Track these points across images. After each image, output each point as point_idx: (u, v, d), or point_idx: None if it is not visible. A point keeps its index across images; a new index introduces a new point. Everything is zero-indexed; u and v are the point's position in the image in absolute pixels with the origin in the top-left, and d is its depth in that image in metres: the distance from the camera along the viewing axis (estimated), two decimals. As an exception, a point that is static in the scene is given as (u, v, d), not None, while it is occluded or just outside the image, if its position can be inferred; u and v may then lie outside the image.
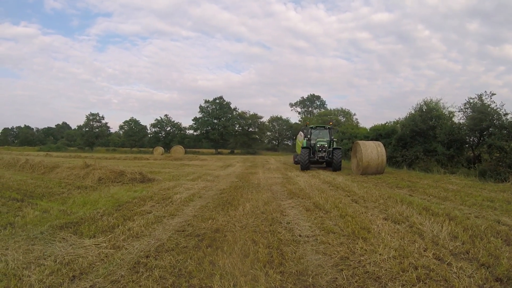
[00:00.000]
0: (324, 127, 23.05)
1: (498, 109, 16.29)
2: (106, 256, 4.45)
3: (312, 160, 19.74)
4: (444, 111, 19.94)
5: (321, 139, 20.80)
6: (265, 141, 78.18)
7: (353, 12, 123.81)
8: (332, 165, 19.27)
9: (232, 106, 68.88)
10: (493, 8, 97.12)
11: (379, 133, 24.57)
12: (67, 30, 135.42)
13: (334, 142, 21.10)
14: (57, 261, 4.21)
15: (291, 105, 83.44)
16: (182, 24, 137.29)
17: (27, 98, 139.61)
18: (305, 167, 19.13)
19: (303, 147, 20.06)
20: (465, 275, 3.87)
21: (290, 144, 73.59)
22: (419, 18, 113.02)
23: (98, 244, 4.92)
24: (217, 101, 67.18)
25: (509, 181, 12.61)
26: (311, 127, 22.83)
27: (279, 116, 78.82)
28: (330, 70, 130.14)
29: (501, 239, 5.26)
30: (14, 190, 10.00)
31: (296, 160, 23.61)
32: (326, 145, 19.86)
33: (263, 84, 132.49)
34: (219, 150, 67.14)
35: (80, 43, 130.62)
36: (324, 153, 19.75)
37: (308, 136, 21.69)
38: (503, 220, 6.62)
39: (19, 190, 9.95)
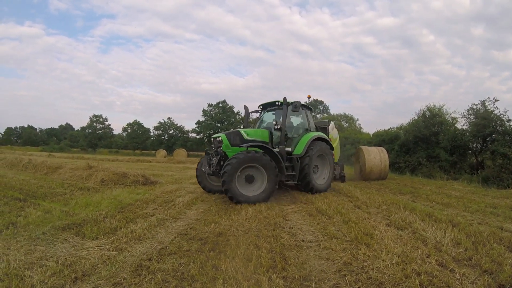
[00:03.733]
0: (278, 104, 11.11)
1: (501, 115, 16.32)
2: (109, 258, 4.45)
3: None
4: (447, 117, 19.96)
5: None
6: (269, 144, 78.04)
7: (358, 17, 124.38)
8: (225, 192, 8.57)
9: (235, 110, 68.87)
10: (498, 12, 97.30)
11: (382, 139, 24.51)
12: (71, 31, 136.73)
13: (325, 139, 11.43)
14: (59, 262, 4.21)
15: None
16: (185, 27, 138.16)
17: (30, 98, 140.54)
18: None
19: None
20: (468, 281, 3.85)
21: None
22: (424, 22, 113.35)
23: (100, 246, 4.93)
24: (220, 104, 67.04)
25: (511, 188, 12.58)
26: (262, 107, 11.96)
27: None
28: (334, 74, 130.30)
29: (504, 246, 5.24)
30: (16, 189, 10.04)
31: None
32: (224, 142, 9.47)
33: (267, 88, 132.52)
34: (222, 153, 66.67)
35: (84, 44, 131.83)
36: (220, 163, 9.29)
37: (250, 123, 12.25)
38: (506, 226, 6.60)
39: (21, 190, 9.99)
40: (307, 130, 11.32)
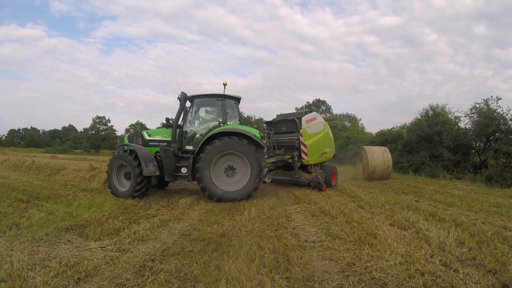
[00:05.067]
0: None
1: (505, 114, 16.24)
2: (112, 259, 4.47)
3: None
4: (450, 116, 19.84)
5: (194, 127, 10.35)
6: (270, 145, 77.84)
7: (360, 16, 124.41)
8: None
9: (238, 110, 68.63)
10: (500, 10, 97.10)
11: (385, 138, 24.43)
12: (72, 32, 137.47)
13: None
14: (62, 263, 4.23)
15: (297, 109, 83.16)
16: (187, 28, 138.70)
17: (32, 100, 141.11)
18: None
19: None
20: (472, 281, 3.84)
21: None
22: (426, 21, 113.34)
23: (103, 247, 4.94)
24: (223, 105, 66.96)
25: (515, 187, 12.53)
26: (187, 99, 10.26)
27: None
28: (336, 74, 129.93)
29: (508, 245, 5.22)
30: (20, 191, 10.07)
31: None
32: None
33: (268, 88, 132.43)
34: (224, 153, 66.66)
35: (85, 45, 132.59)
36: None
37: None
38: (510, 226, 6.57)
39: (25, 191, 10.02)
40: (222, 125, 9.75)
